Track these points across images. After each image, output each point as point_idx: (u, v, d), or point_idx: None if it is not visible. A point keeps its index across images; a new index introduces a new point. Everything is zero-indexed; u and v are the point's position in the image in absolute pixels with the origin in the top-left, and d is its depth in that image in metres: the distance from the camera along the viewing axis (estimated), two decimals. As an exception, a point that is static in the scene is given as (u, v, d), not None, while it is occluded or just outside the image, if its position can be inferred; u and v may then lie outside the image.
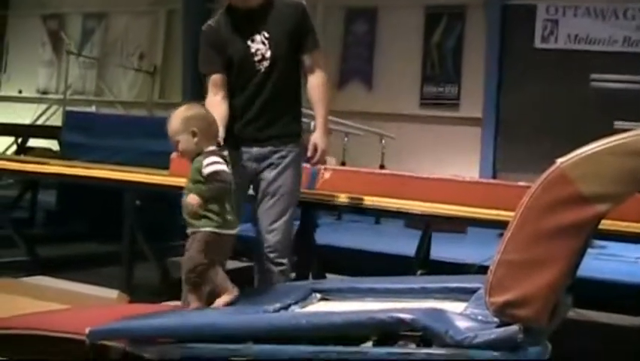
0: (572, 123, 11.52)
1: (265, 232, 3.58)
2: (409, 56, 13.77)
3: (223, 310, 2.63)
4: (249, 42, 3.58)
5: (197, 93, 14.79)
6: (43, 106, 15.54)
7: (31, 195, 7.08)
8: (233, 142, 3.54)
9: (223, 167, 3.07)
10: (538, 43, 12.82)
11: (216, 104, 3.54)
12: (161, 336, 2.38)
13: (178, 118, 3.16)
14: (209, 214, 3.07)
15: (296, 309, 2.78)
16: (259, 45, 3.58)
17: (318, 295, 3.01)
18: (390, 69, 14.02)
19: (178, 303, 3.97)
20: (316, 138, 3.67)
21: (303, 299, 2.90)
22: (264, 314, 2.45)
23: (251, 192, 3.71)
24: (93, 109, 15.83)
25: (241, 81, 3.62)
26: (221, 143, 3.29)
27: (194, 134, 3.11)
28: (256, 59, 3.58)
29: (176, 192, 4.67)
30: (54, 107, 15.11)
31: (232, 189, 3.14)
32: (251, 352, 2.19)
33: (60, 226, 7.19)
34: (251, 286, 3.45)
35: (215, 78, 3.63)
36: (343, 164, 10.39)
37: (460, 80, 13.49)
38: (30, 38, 17.13)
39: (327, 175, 4.37)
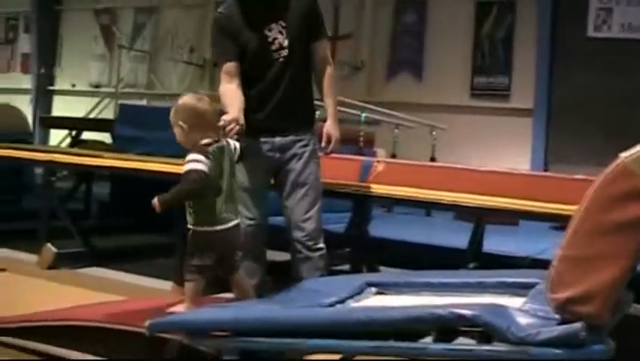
0: (626, 115, 11.31)
1: (300, 221, 3.63)
2: (459, 46, 13.64)
3: (280, 304, 2.63)
4: (266, 31, 3.57)
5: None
6: (96, 99, 15.73)
7: (86, 187, 7.19)
8: (252, 132, 3.50)
9: (197, 165, 2.95)
10: (590, 32, 12.57)
11: (232, 91, 3.52)
12: (218, 329, 2.39)
13: (172, 110, 3.15)
14: (195, 212, 3.07)
15: (352, 303, 2.77)
16: (276, 34, 3.57)
17: (374, 289, 2.99)
18: (441, 60, 13.90)
19: (230, 295, 4.01)
20: (329, 127, 3.70)
21: (359, 293, 2.88)
22: (322, 309, 2.45)
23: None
24: (144, 102, 16.01)
25: (258, 71, 3.61)
26: (241, 126, 3.25)
27: (181, 128, 3.07)
28: (273, 48, 3.57)
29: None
30: (106, 101, 15.29)
31: (214, 185, 3.04)
32: (310, 346, 2.19)
33: (114, 217, 7.30)
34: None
35: (229, 67, 3.59)
36: (394, 156, 10.33)
37: (511, 71, 13.32)
38: (83, 33, 17.36)
39: (380, 168, 4.35)
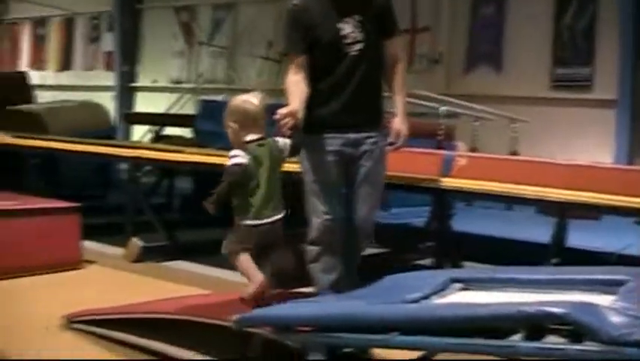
0: None
1: (364, 215, 3.66)
2: (539, 37, 13.36)
3: (365, 300, 2.63)
4: (341, 25, 3.54)
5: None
6: (176, 95, 16.00)
7: (169, 181, 7.31)
8: (322, 127, 3.57)
9: (236, 160, 3.20)
10: (675, 20, 12.19)
11: (296, 83, 3.53)
12: (305, 325, 2.41)
13: (225, 111, 3.35)
14: (237, 208, 3.29)
15: (436, 299, 2.75)
16: (351, 28, 3.54)
17: (458, 285, 2.97)
18: (520, 51, 13.65)
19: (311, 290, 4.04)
20: (399, 123, 3.68)
21: (443, 289, 2.86)
22: (407, 305, 2.44)
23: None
24: (224, 97, 16.19)
25: (330, 64, 3.58)
26: (296, 120, 3.31)
27: (232, 128, 3.30)
28: (347, 41, 3.54)
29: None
30: (186, 96, 15.52)
31: (251, 177, 3.23)
32: (395, 342, 2.18)
33: (196, 211, 7.39)
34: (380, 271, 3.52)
35: (298, 60, 3.60)
36: (474, 150, 10.21)
37: (593, 61, 12.98)
38: (163, 30, 17.66)
39: (462, 162, 4.30)
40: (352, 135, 3.59)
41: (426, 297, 2.70)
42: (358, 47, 3.54)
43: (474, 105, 10.63)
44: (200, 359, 2.93)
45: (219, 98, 15.91)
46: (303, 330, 2.43)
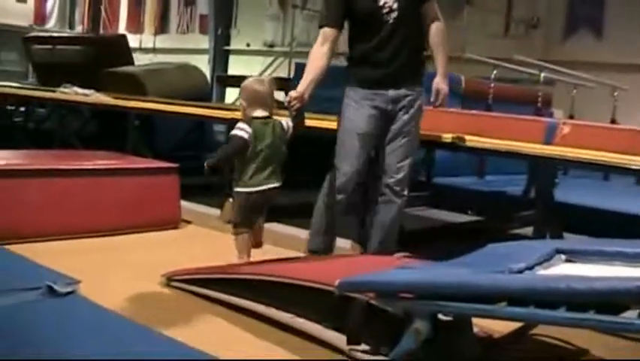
0: None
1: (395, 167, 4.00)
2: (641, 1, 12.90)
3: (468, 268, 2.58)
4: None
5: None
6: (270, 58, 16.09)
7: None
8: (366, 83, 3.95)
9: (238, 132, 3.60)
10: None
11: (317, 58, 3.91)
12: (409, 291, 2.38)
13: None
14: (237, 176, 3.69)
15: (540, 270, 2.68)
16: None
17: (563, 257, 2.89)
18: (623, 16, 13.21)
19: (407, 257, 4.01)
20: (438, 82, 4.01)
21: (547, 260, 2.79)
22: (518, 275, 2.38)
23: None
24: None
25: (370, 32, 3.92)
26: (302, 102, 3.74)
27: (242, 104, 3.75)
28: (384, 11, 3.87)
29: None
30: (280, 60, 15.59)
31: (251, 149, 3.59)
32: (505, 313, 2.13)
33: (291, 174, 7.43)
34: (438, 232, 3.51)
35: (327, 31, 3.94)
36: (571, 117, 9.97)
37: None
38: (257, -6, 17.77)
39: (566, 130, 4.17)
40: (391, 92, 3.95)
41: (530, 267, 2.63)
42: (394, 15, 3.87)
43: (572, 72, 10.34)
44: (301, 321, 2.93)
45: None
46: (406, 297, 2.40)
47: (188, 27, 19.51)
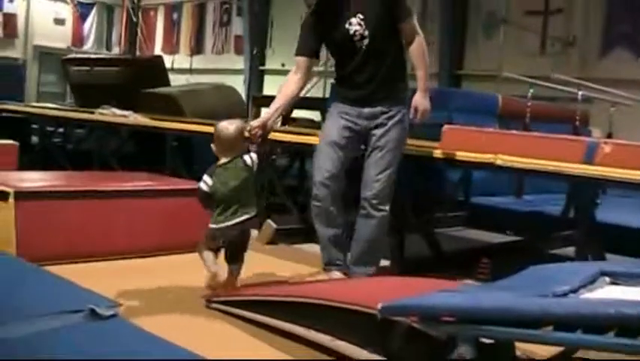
0: None
1: (371, 180, 4.12)
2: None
3: (511, 291, 2.55)
4: (347, 25, 4.05)
5: (452, 62, 14.64)
6: (304, 78, 16.12)
7: (300, 163, 7.37)
8: (345, 100, 4.20)
9: (201, 184, 3.85)
10: None
11: (290, 83, 4.22)
12: (452, 315, 2.35)
13: None
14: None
15: (585, 293, 2.64)
16: (356, 27, 4.05)
17: (608, 279, 2.85)
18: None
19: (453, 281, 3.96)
20: (417, 99, 4.12)
21: (592, 282, 2.75)
22: (563, 299, 2.35)
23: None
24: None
25: (344, 58, 4.16)
26: (265, 132, 4.00)
27: (213, 149, 3.90)
28: (356, 39, 4.06)
29: (449, 164, 4.68)
30: (314, 79, 15.61)
31: (211, 197, 3.82)
32: (552, 338, 2.10)
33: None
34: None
35: (300, 60, 4.25)
36: (609, 136, 9.84)
37: None
38: (292, 14, 17.73)
39: (607, 149, 4.11)
40: (367, 110, 4.14)
41: (575, 290, 2.60)
42: (366, 41, 4.05)
43: (610, 90, 10.24)
44: (341, 344, 2.91)
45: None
46: (449, 321, 2.37)
47: (223, 47, 19.66)
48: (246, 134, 3.91)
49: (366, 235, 4.19)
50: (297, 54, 4.27)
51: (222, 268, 3.80)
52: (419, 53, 4.13)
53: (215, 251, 3.84)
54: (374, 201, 4.13)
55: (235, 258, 3.87)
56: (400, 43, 4.15)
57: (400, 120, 4.16)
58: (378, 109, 4.13)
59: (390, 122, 4.13)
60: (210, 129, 6.43)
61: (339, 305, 2.90)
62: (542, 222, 6.36)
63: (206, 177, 3.86)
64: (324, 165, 4.18)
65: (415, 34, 4.12)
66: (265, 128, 4.01)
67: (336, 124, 4.22)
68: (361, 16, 4.04)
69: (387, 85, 4.13)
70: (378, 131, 4.13)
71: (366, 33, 4.04)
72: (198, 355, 2.75)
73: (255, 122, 3.99)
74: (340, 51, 4.19)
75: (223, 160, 3.87)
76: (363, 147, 4.24)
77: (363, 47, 4.07)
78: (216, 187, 3.82)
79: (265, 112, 4.19)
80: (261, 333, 3.23)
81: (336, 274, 4.20)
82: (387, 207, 4.15)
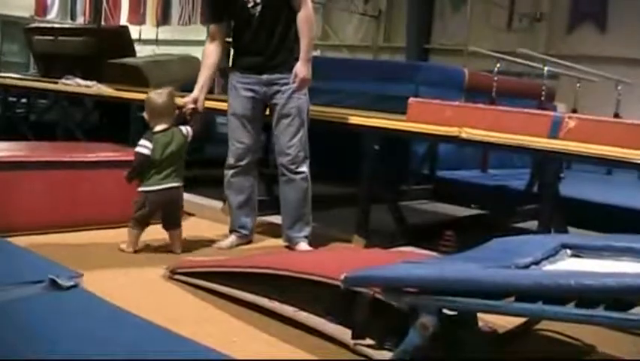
0: None
1: (285, 147, 4.33)
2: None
3: (474, 263, 2.56)
4: None
5: (420, 36, 14.65)
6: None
7: (266, 136, 7.31)
8: (243, 69, 4.37)
9: (139, 149, 4.05)
10: None
11: (208, 54, 4.42)
12: (415, 286, 2.36)
13: None
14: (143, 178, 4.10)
15: (547, 265, 2.66)
16: None
17: (569, 252, 2.87)
18: (626, 9, 13.17)
19: (414, 250, 3.97)
20: (297, 67, 4.24)
21: (554, 255, 2.77)
22: (526, 271, 2.37)
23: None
24: (318, 53, 16.13)
25: (241, 26, 4.32)
26: (196, 106, 4.30)
27: (144, 117, 4.17)
28: (249, 5, 4.23)
29: (415, 137, 4.67)
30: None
31: (150, 160, 4.04)
32: (514, 309, 2.11)
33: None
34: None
35: (212, 29, 4.46)
36: (574, 111, 9.92)
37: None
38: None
39: (571, 124, 4.14)
40: (265, 76, 4.31)
41: (537, 262, 2.62)
42: (259, 8, 4.22)
43: (576, 66, 10.30)
44: (306, 316, 2.91)
45: (315, 53, 15.96)
46: (412, 292, 2.38)
47: (190, 18, 19.39)
48: (184, 110, 4.25)
49: (292, 198, 4.42)
50: (206, 23, 4.54)
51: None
52: (304, 22, 4.26)
53: (143, 228, 4.11)
54: (292, 167, 4.35)
55: (169, 223, 4.17)
56: (294, 13, 4.28)
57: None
58: (276, 75, 4.29)
59: (290, 89, 4.29)
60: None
61: (303, 276, 2.89)
62: (507, 197, 6.41)
63: (145, 142, 4.06)
64: (235, 137, 4.44)
65: (303, 4, 4.26)
66: (196, 102, 4.31)
67: (238, 96, 4.40)
68: None
69: (283, 52, 4.29)
70: (279, 100, 4.31)
71: (259, 0, 4.22)
72: (157, 324, 2.74)
73: (186, 99, 4.29)
74: (237, 18, 4.35)
75: (159, 127, 4.11)
76: (268, 112, 4.45)
77: (257, 14, 4.24)
78: (155, 152, 4.04)
79: (195, 88, 4.38)
80: (223, 304, 3.22)
81: (233, 239, 4.50)
82: (304, 169, 4.37)
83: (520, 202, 6.08)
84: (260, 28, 4.27)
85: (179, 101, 4.26)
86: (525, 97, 8.74)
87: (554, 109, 9.44)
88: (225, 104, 4.40)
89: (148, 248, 4.19)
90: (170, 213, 4.16)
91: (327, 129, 5.00)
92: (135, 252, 4.09)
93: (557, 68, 9.93)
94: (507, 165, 7.97)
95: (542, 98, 8.59)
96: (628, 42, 12.93)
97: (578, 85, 10.29)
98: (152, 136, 4.08)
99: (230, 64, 4.57)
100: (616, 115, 10.14)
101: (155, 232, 4.24)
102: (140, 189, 4.08)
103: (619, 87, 10.52)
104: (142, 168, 4.07)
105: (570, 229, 4.52)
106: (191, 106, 4.31)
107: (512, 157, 7.95)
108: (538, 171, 6.00)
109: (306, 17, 4.28)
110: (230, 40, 4.53)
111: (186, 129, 4.22)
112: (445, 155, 7.28)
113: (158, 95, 4.18)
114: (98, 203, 4.62)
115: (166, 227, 4.19)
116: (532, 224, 4.92)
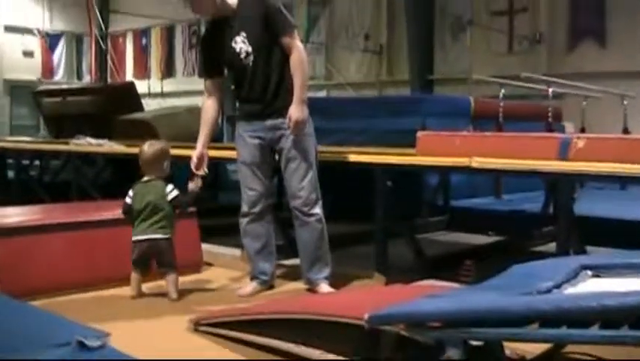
0: None
1: (296, 190, 4.35)
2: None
3: (496, 291, 2.57)
4: (233, 44, 4.31)
5: (423, 68, 14.71)
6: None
7: (278, 180, 7.35)
8: (246, 117, 4.42)
9: (126, 199, 4.37)
10: None
11: (206, 109, 4.50)
12: (438, 320, 2.37)
13: None
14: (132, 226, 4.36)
15: (568, 288, 2.67)
16: (241, 44, 4.30)
17: (590, 272, 2.88)
18: (625, 24, 13.23)
19: (435, 282, 3.97)
20: (291, 109, 4.25)
21: (574, 277, 2.78)
22: (547, 296, 2.37)
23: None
24: (324, 93, 16.25)
25: (237, 76, 4.40)
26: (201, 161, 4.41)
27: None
28: (242, 56, 4.30)
29: (425, 170, 4.69)
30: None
31: (131, 208, 4.33)
32: (536, 335, 2.12)
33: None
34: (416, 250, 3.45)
35: (207, 84, 4.51)
36: (583, 130, 9.94)
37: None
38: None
39: (580, 144, 4.16)
40: (269, 122, 4.35)
41: (558, 286, 2.63)
42: (251, 57, 4.30)
43: (580, 84, 10.34)
44: (333, 359, 2.92)
45: (320, 94, 16.04)
46: (436, 326, 2.39)
47: (194, 69, 19.59)
48: (193, 169, 4.38)
49: (309, 241, 4.42)
50: (201, 77, 4.55)
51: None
52: (295, 64, 4.27)
53: (141, 272, 4.32)
54: (305, 209, 4.36)
55: (161, 268, 4.33)
56: (286, 56, 4.31)
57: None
58: (279, 120, 4.32)
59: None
60: (186, 152, 6.45)
61: (326, 318, 2.91)
62: (523, 221, 6.41)
63: (130, 192, 4.34)
64: (246, 184, 4.48)
65: (293, 47, 4.29)
66: (202, 157, 4.42)
67: (246, 144, 4.44)
68: (244, 34, 4.29)
69: (282, 96, 4.31)
70: (285, 144, 4.34)
71: (250, 50, 4.29)
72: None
73: (194, 156, 4.40)
74: (232, 69, 4.44)
75: (146, 178, 4.35)
76: (277, 157, 4.46)
77: (250, 64, 4.31)
78: (135, 201, 4.29)
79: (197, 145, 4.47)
80: (252, 352, 3.23)
81: (254, 285, 4.51)
82: (317, 210, 4.39)
83: (536, 225, 6.08)
84: (255, 77, 4.33)
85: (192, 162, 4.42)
86: (532, 119, 8.78)
87: (562, 129, 9.46)
88: (234, 151, 4.48)
89: (172, 302, 4.21)
90: (160, 261, 4.31)
91: (338, 168, 5.04)
92: (140, 296, 4.31)
93: (562, 88, 9.97)
94: (521, 188, 7.98)
95: (550, 120, 8.62)
96: (629, 55, 12.97)
97: (584, 103, 10.31)
98: (135, 186, 4.35)
99: (237, 112, 4.66)
100: (625, 130, 10.15)
101: (180, 284, 4.27)
102: (132, 238, 4.31)
103: (625, 102, 10.53)
104: (128, 216, 4.34)
105: (589, 248, 4.52)
106: (200, 162, 4.42)
107: (525, 180, 7.96)
108: (552, 192, 6.00)
109: (298, 60, 4.29)
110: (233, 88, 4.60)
111: (170, 188, 4.34)
112: (457, 184, 7.30)
113: (148, 146, 4.38)
114: (115, 260, 4.63)
115: (160, 271, 4.36)
116: (551, 246, 4.92)
